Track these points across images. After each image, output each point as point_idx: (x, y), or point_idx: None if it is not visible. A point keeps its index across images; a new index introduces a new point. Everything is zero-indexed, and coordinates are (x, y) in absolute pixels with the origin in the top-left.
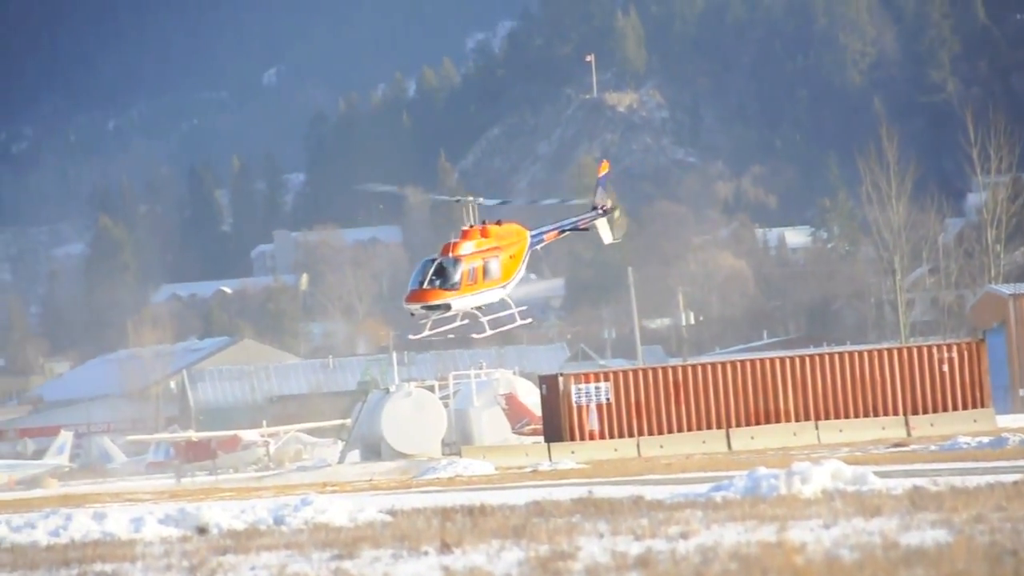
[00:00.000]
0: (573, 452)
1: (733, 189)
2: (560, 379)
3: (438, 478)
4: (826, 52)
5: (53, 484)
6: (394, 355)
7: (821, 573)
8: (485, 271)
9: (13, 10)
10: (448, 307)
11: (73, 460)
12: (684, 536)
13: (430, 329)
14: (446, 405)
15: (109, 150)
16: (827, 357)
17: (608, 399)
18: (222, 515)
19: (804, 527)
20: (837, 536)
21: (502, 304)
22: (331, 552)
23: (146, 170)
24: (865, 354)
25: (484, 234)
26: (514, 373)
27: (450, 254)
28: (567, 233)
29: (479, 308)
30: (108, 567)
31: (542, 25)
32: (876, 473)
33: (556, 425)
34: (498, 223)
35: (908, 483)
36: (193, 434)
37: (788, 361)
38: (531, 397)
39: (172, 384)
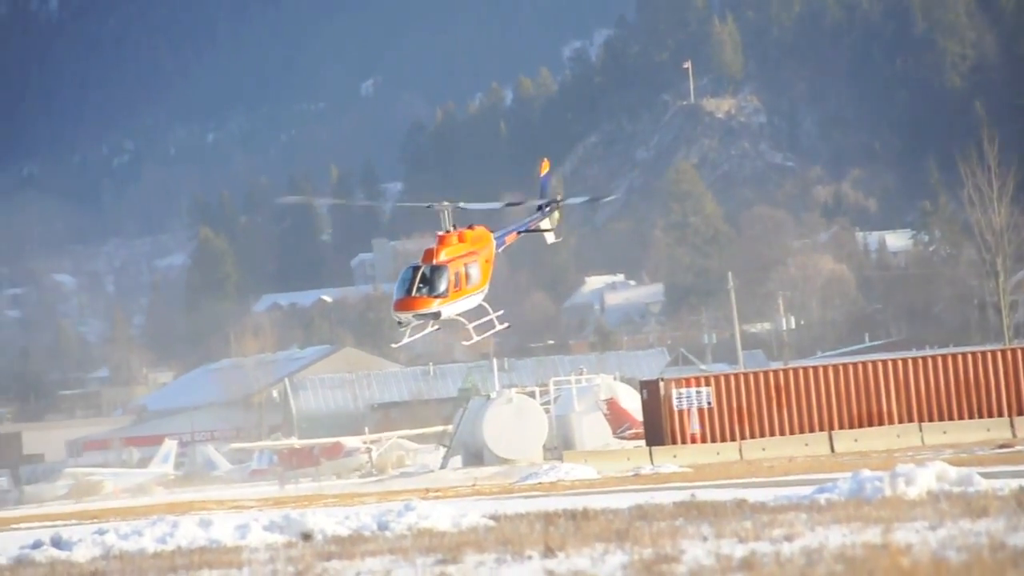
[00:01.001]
0: (675, 456)
1: (832, 193)
2: (661, 384)
3: (540, 483)
4: (925, 55)
5: (159, 492)
6: (495, 361)
7: (928, 575)
8: (467, 276)
9: (114, 25)
10: (438, 315)
11: (178, 468)
12: (788, 538)
13: (409, 337)
14: (547, 410)
15: (209, 162)
16: (930, 359)
17: (710, 403)
18: (326, 521)
19: (909, 529)
20: (943, 537)
21: (481, 310)
22: (435, 557)
23: (246, 181)
24: (969, 356)
25: (461, 239)
26: (615, 378)
27: (434, 261)
28: (522, 235)
29: (461, 314)
30: (215, 573)
31: (638, 32)
32: (982, 474)
33: (657, 429)
34: (470, 227)
35: (1015, 484)
36: (296, 441)
37: (891, 364)
38: (632, 402)
39: (274, 392)
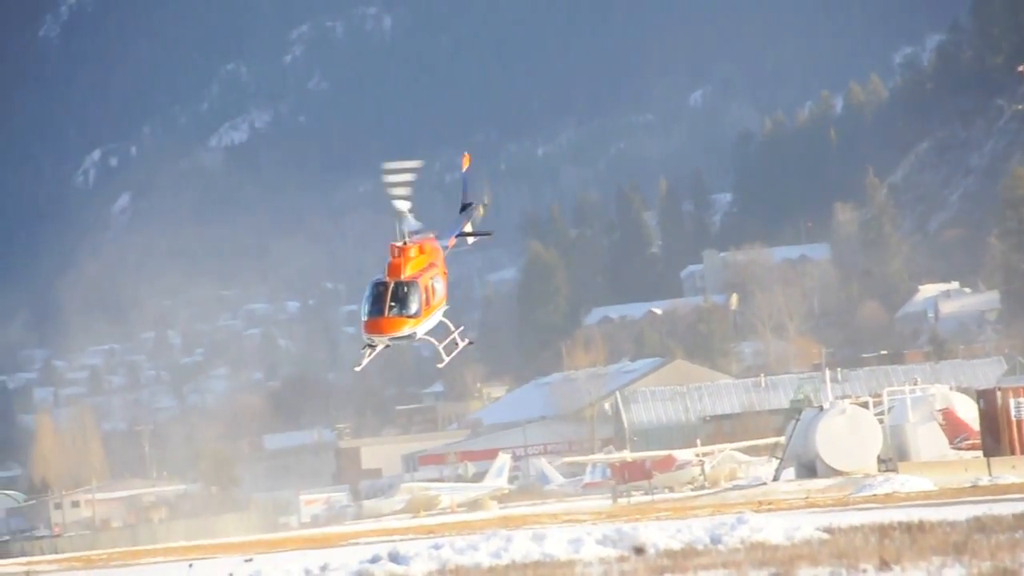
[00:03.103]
0: (1014, 467)
1: None
2: (998, 393)
3: (875, 495)
4: None
5: (493, 506)
6: (827, 372)
7: None
8: (434, 291)
9: (447, 44)
10: (413, 336)
11: (512, 482)
12: None
13: (368, 359)
14: (881, 421)
15: (539, 176)
16: None
17: None
18: (659, 535)
19: None
20: None
21: (443, 327)
22: (768, 570)
23: (575, 194)
24: None
25: (422, 250)
26: (950, 388)
27: (403, 276)
28: (460, 238)
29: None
30: None
31: (972, 36)
32: None
33: (995, 439)
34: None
35: None
36: (628, 455)
37: None
38: (969, 412)
39: (606, 405)
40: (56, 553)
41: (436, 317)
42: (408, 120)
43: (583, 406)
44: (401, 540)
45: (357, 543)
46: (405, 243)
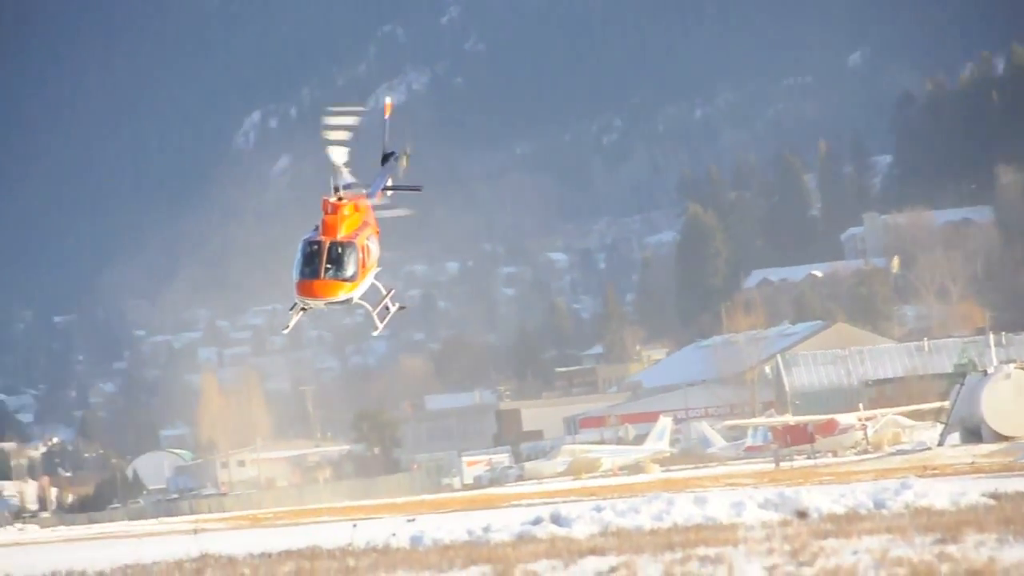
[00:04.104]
0: None
1: None
2: None
3: None
4: None
5: (654, 469)
6: (991, 336)
7: None
8: (369, 252)
9: (604, 6)
10: (349, 301)
11: (673, 445)
12: None
13: (294, 320)
14: None
15: (697, 138)
16: None
17: None
18: (822, 499)
19: None
20: None
21: (375, 290)
22: (933, 536)
23: (733, 156)
24: None
25: (357, 208)
26: None
27: (338, 236)
28: (391, 193)
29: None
30: (711, 551)
31: None
32: None
33: None
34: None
35: None
36: (790, 418)
37: None
38: None
39: (767, 369)
40: (223, 511)
41: (370, 280)
42: (565, 82)
43: (743, 369)
44: (563, 502)
45: (519, 505)
46: (340, 199)
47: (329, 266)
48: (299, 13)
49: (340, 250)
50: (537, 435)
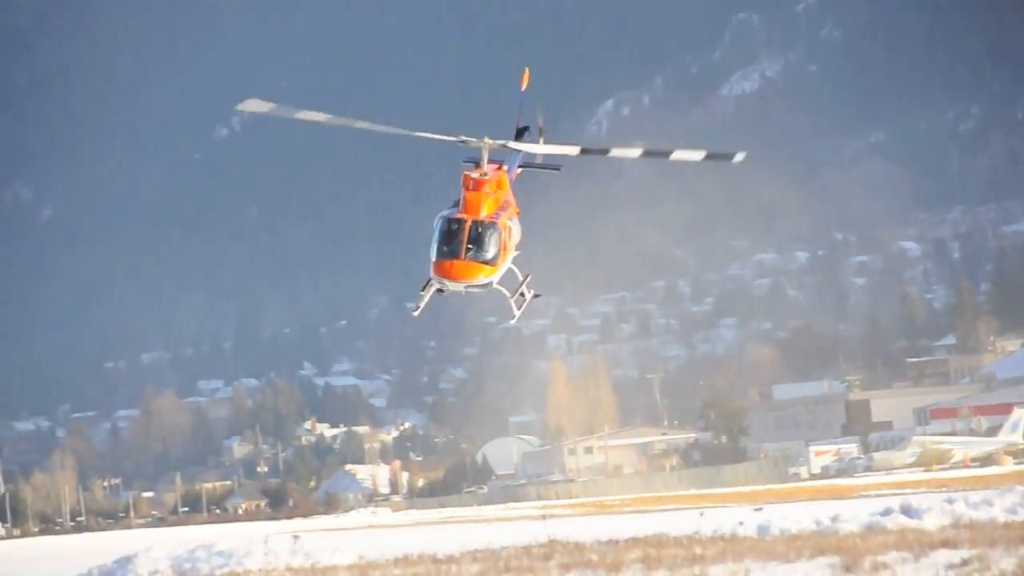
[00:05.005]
0: None
1: None
2: None
3: None
4: None
5: (1007, 461)
6: None
7: None
8: (510, 234)
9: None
10: (488, 285)
11: None
12: None
13: (426, 302)
14: None
15: None
16: None
17: None
18: None
19: None
20: None
21: (511, 274)
22: None
23: None
24: None
25: (499, 185)
26: None
27: (481, 214)
28: (519, 170)
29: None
30: None
31: None
32: None
33: None
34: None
35: None
36: None
37: None
38: None
39: None
40: (570, 497)
41: (508, 263)
42: (921, 69)
43: None
44: (913, 493)
45: (867, 495)
46: (483, 174)
47: (470, 247)
48: (650, 2)
49: (482, 230)
50: (886, 425)
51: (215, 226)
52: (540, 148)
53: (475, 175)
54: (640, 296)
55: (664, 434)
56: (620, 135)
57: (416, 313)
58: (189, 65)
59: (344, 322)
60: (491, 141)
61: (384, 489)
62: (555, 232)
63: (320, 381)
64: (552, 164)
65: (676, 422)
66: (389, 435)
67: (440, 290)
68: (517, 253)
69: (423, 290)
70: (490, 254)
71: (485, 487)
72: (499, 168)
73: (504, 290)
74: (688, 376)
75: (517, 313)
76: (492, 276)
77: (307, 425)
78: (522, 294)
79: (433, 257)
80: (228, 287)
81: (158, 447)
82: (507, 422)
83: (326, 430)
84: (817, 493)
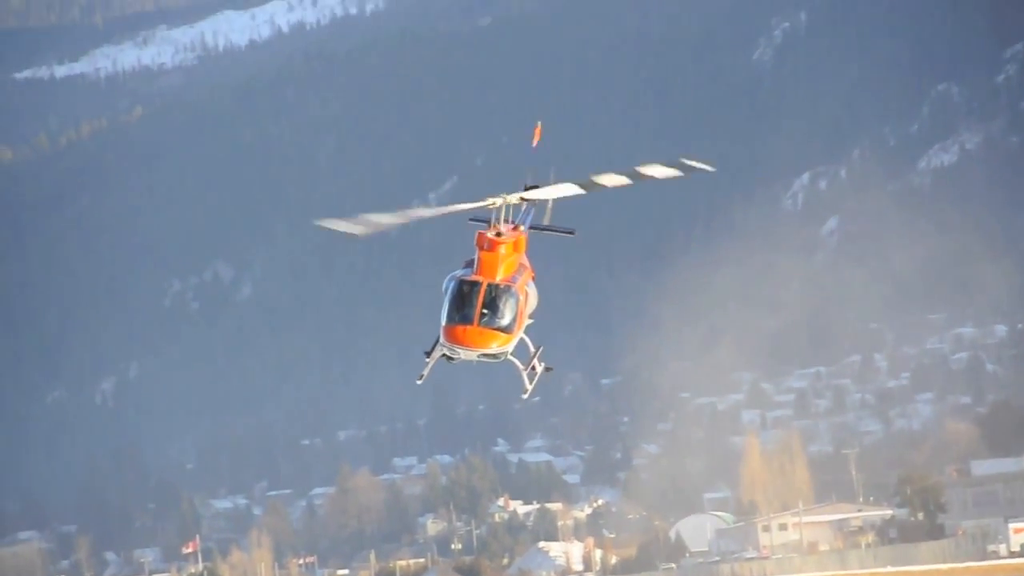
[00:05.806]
0: None
1: None
2: None
3: None
4: None
5: None
6: None
7: None
8: (527, 300)
9: None
10: (502, 355)
11: None
12: None
13: (430, 368)
14: None
15: None
16: None
17: None
18: None
19: None
20: None
21: (523, 345)
22: None
23: None
24: None
25: (516, 247)
26: None
27: (497, 278)
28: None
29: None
30: None
31: None
32: None
33: None
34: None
35: None
36: None
37: None
38: None
39: None
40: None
41: (523, 331)
42: None
43: None
44: None
45: None
46: (499, 234)
47: (485, 312)
48: (852, 71)
49: (498, 294)
50: None
51: (410, 303)
52: (547, 192)
53: (491, 234)
54: (835, 371)
55: (860, 511)
56: (816, 209)
57: (419, 381)
58: (385, 142)
59: (538, 398)
60: (509, 197)
61: (578, 566)
62: (749, 306)
63: (514, 457)
64: (564, 228)
65: (872, 498)
66: (582, 512)
67: (449, 357)
68: (531, 322)
69: (428, 356)
70: (506, 320)
71: (679, 564)
72: (515, 228)
73: (517, 361)
74: (884, 452)
75: (529, 387)
76: (507, 345)
77: (500, 502)
78: (534, 367)
79: (443, 321)
80: (423, 364)
81: (353, 524)
82: (701, 498)
83: (519, 507)
84: (1017, 571)
